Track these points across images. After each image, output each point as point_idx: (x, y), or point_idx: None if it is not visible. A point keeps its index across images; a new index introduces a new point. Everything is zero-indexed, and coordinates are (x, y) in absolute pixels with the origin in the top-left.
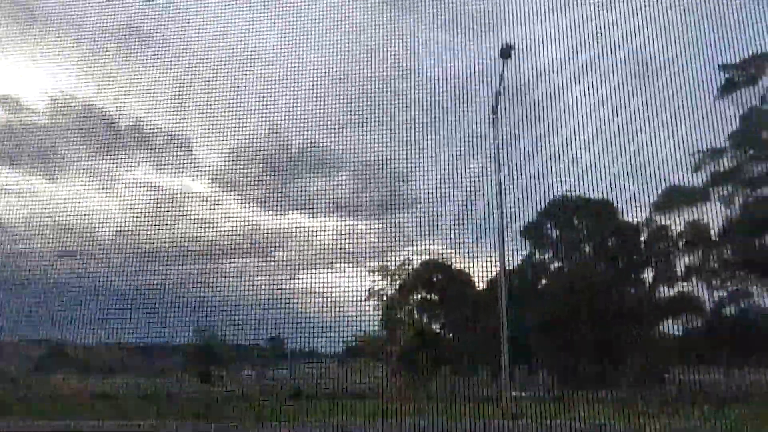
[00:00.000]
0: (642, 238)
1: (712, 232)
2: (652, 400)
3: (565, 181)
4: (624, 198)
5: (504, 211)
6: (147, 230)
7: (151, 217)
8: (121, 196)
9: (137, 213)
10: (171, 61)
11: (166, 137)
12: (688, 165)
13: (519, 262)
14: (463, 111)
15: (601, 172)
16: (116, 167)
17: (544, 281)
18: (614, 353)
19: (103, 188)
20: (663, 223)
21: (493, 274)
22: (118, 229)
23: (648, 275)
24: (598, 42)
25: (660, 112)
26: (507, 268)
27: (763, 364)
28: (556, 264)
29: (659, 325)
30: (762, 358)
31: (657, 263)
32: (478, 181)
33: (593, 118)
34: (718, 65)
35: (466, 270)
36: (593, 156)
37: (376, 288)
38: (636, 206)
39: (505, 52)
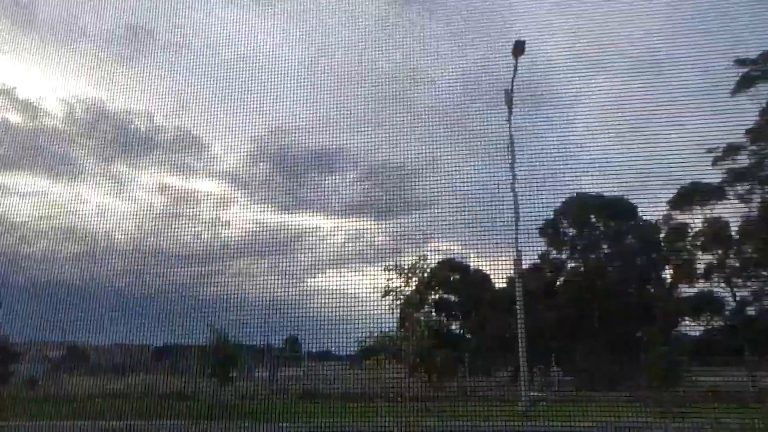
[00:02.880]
0: (660, 236)
1: (732, 229)
2: (672, 400)
3: (581, 179)
4: (641, 195)
5: (519, 210)
6: (161, 232)
7: (165, 218)
8: (135, 198)
9: (151, 215)
10: (183, 63)
11: (179, 139)
12: (706, 162)
13: (536, 260)
14: (477, 109)
15: (618, 170)
16: (130, 169)
17: (561, 280)
18: (633, 353)
19: (116, 190)
20: (681, 220)
21: (510, 273)
22: (133, 230)
23: (667, 274)
24: (612, 39)
25: (676, 108)
26: (524, 266)
27: None
28: (573, 263)
29: (679, 324)
30: None
31: (676, 262)
32: (493, 179)
33: (609, 115)
34: (735, 60)
35: (483, 269)
36: (609, 153)
37: (391, 288)
38: (654, 204)
39: (518, 49)
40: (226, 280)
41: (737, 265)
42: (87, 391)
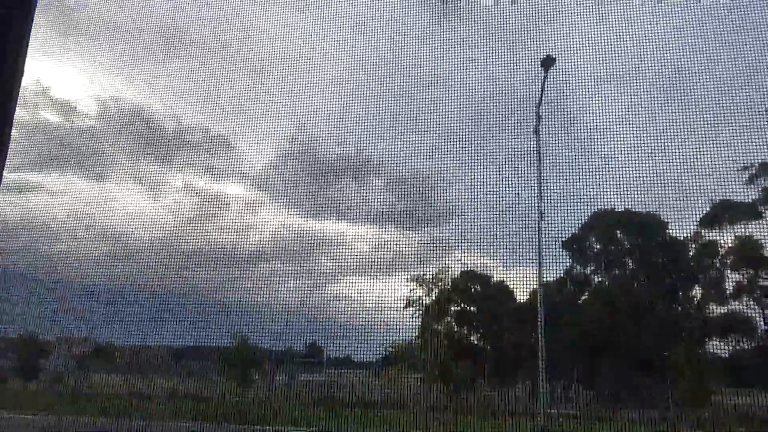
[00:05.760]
0: (689, 254)
1: (763, 249)
2: (698, 421)
3: (609, 193)
4: (670, 212)
5: (544, 223)
6: (188, 234)
7: (192, 221)
8: (162, 200)
9: (178, 216)
10: (215, 67)
11: (209, 142)
12: (740, 179)
13: (560, 275)
14: (504, 121)
15: (647, 185)
16: (159, 170)
17: (585, 295)
18: (658, 372)
19: (145, 191)
20: (712, 238)
21: (533, 286)
22: (160, 232)
23: (696, 292)
24: (643, 54)
25: (710, 125)
26: (547, 280)
27: None
28: (598, 278)
29: (707, 344)
30: None
31: (705, 280)
32: (519, 192)
33: (638, 130)
34: None
35: (505, 282)
36: (638, 169)
37: (413, 297)
38: (683, 221)
39: (547, 63)
40: (250, 284)
41: None
42: (110, 390)
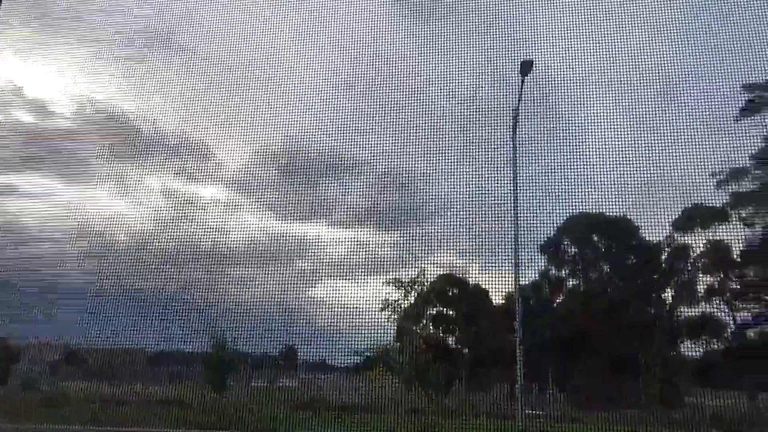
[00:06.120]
0: (662, 257)
1: (734, 253)
2: (668, 421)
3: (585, 197)
4: (644, 216)
5: (521, 226)
6: (162, 236)
7: (167, 223)
8: (138, 201)
9: (153, 218)
10: (191, 68)
11: (184, 143)
12: (710, 184)
13: (536, 277)
14: (483, 123)
15: (622, 189)
16: (135, 172)
17: (560, 298)
18: (632, 373)
19: (120, 193)
20: (684, 242)
21: (510, 289)
22: (134, 234)
23: (668, 295)
24: (619, 60)
25: (680, 130)
26: (524, 283)
27: None
28: (573, 281)
29: (679, 346)
30: None
31: (677, 283)
32: (496, 195)
33: (613, 135)
34: (741, 85)
35: (482, 284)
36: (613, 173)
37: (390, 300)
38: (656, 224)
39: (526, 68)
40: (226, 287)
41: (738, 288)
42: (82, 395)
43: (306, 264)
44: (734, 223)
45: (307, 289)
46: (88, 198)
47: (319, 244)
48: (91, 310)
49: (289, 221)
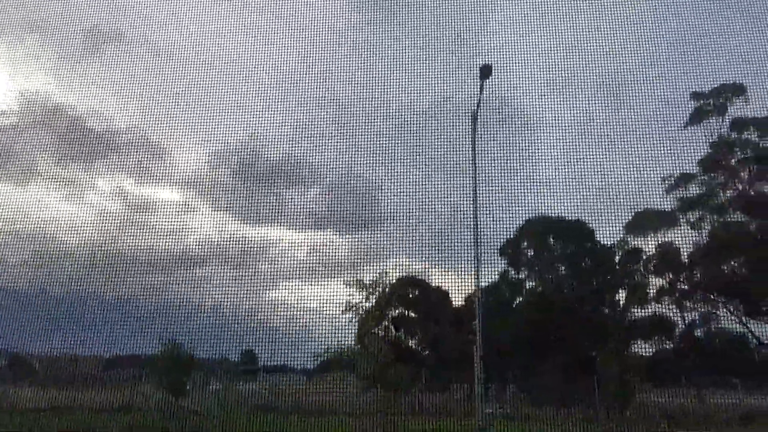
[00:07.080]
0: (616, 259)
1: (682, 255)
2: (621, 419)
3: (542, 200)
4: (598, 219)
5: (481, 229)
6: (115, 238)
7: (120, 225)
8: (89, 203)
9: (106, 221)
10: (146, 65)
11: (139, 143)
12: (660, 189)
13: (495, 279)
14: (441, 128)
15: (577, 193)
16: (86, 173)
17: (519, 299)
18: (586, 372)
19: (70, 194)
20: (636, 245)
21: (469, 291)
22: (85, 237)
23: (621, 296)
24: (574, 69)
25: (633, 136)
26: (483, 285)
27: (733, 386)
28: (531, 282)
29: (631, 345)
30: (730, 381)
31: (630, 284)
32: (456, 198)
33: (569, 140)
34: (690, 93)
35: (443, 286)
36: (569, 177)
37: (351, 302)
38: (610, 228)
39: (485, 72)
40: (183, 289)
41: (687, 288)
42: (30, 404)
43: (266, 266)
44: (683, 226)
45: (266, 291)
46: (33, 199)
47: (279, 246)
48: (38, 315)
49: (247, 223)
